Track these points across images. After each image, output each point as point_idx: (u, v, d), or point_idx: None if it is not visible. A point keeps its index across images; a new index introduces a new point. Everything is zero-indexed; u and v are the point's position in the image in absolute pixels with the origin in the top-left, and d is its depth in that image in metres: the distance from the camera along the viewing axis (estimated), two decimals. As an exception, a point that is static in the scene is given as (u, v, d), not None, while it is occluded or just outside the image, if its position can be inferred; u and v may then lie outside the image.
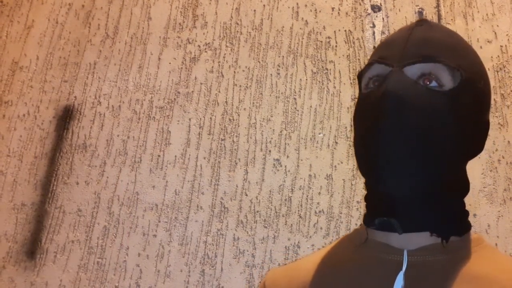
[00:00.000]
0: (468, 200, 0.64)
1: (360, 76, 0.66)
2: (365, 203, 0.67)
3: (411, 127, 0.57)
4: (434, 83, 0.59)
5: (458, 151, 0.60)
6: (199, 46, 1.65)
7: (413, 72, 0.59)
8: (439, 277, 0.58)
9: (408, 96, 0.57)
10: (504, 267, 0.60)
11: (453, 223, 0.61)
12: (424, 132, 0.57)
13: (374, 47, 1.59)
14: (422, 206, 0.60)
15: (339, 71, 1.58)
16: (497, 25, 1.61)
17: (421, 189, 0.59)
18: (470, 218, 0.65)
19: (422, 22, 0.65)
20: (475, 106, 0.62)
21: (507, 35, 1.60)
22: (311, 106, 1.55)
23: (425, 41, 0.61)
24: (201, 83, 1.60)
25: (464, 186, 0.64)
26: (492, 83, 1.54)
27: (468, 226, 0.64)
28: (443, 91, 0.59)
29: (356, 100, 0.68)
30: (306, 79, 1.57)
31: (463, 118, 0.60)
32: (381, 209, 0.62)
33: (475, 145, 0.64)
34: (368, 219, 0.64)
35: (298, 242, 1.41)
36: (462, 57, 0.62)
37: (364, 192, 0.68)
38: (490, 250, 0.63)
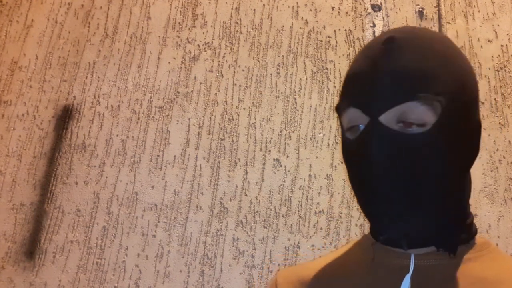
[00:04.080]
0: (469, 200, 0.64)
1: (337, 110, 0.63)
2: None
3: (405, 178, 0.56)
4: (414, 127, 0.55)
5: (457, 173, 0.60)
6: (198, 45, 1.64)
7: (389, 118, 0.56)
8: (445, 282, 0.58)
9: (394, 150, 0.55)
10: (510, 270, 0.59)
11: (458, 235, 0.61)
12: (420, 177, 0.56)
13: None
14: (426, 231, 0.59)
15: (339, 71, 1.57)
16: (498, 25, 1.61)
17: (424, 224, 0.59)
18: (471, 219, 0.65)
19: (389, 42, 0.58)
20: (464, 119, 0.59)
21: (507, 34, 1.60)
22: (311, 106, 1.54)
23: (394, 74, 0.56)
24: (200, 83, 1.59)
25: (467, 192, 0.64)
26: (492, 82, 1.53)
27: (474, 231, 0.64)
28: (426, 131, 0.55)
29: (341, 135, 0.66)
30: (306, 79, 1.57)
31: (453, 140, 0.57)
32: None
33: (472, 154, 0.63)
34: (373, 234, 0.65)
35: (298, 243, 1.40)
36: (440, 77, 0.56)
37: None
38: (497, 254, 0.63)
